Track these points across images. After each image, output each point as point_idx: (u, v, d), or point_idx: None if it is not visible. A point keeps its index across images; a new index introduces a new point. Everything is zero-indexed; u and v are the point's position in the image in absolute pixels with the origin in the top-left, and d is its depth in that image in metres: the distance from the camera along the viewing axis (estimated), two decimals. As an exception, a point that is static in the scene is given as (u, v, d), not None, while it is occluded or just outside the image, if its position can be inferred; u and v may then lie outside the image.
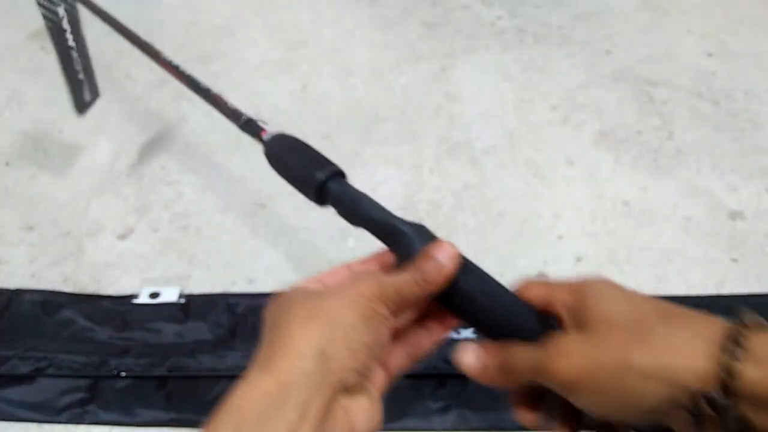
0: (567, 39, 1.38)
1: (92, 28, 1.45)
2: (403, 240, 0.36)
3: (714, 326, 0.27)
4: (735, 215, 1.01)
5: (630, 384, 0.27)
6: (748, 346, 0.26)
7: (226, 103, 0.62)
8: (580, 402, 0.30)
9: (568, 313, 0.32)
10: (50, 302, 0.88)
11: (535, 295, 0.34)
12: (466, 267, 0.35)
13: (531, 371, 0.31)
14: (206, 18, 1.44)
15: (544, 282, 0.34)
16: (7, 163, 1.10)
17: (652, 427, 0.30)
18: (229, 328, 0.84)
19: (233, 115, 0.60)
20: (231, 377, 0.79)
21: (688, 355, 0.26)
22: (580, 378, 0.28)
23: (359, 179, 1.05)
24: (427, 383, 0.78)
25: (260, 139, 0.51)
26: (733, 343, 0.26)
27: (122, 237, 0.98)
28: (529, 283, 0.35)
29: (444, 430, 0.75)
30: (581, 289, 0.32)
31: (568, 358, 0.29)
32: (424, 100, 1.23)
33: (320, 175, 0.41)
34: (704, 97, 1.23)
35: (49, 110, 1.21)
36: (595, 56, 1.33)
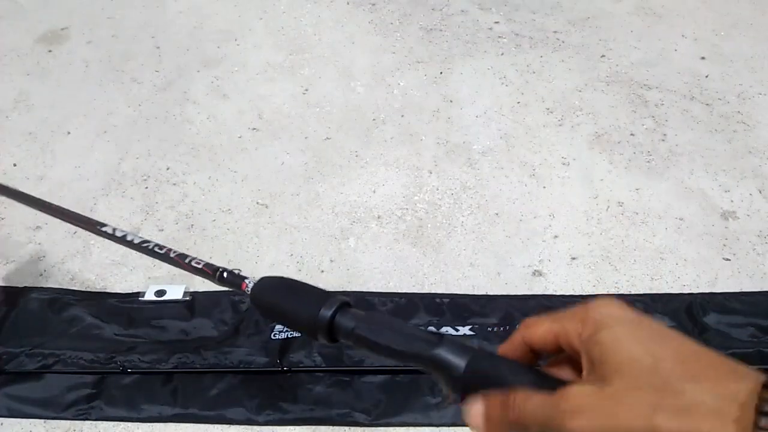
0: (562, 44, 1.40)
1: (98, 31, 1.47)
2: (443, 365, 0.32)
3: (741, 382, 0.25)
4: (727, 215, 1.03)
5: None
6: None
7: (193, 260, 0.55)
8: None
9: (583, 348, 0.30)
10: (57, 300, 0.89)
11: (540, 336, 0.32)
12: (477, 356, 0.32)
13: (541, 425, 0.28)
14: (210, 23, 1.46)
15: (547, 318, 0.32)
16: (15, 164, 1.12)
17: None
18: (234, 325, 0.86)
19: (207, 272, 0.53)
20: (235, 373, 0.81)
21: (716, 420, 0.25)
22: None
23: (360, 180, 1.09)
24: (426, 378, 0.79)
25: (242, 292, 0.47)
26: (761, 411, 0.24)
27: (128, 237, 1.00)
28: (533, 323, 0.32)
29: (442, 424, 0.76)
30: (589, 320, 0.30)
31: (583, 417, 0.26)
32: (423, 103, 1.25)
33: (326, 313, 0.37)
34: (697, 99, 1.26)
35: (56, 112, 1.23)
36: (590, 60, 1.35)
